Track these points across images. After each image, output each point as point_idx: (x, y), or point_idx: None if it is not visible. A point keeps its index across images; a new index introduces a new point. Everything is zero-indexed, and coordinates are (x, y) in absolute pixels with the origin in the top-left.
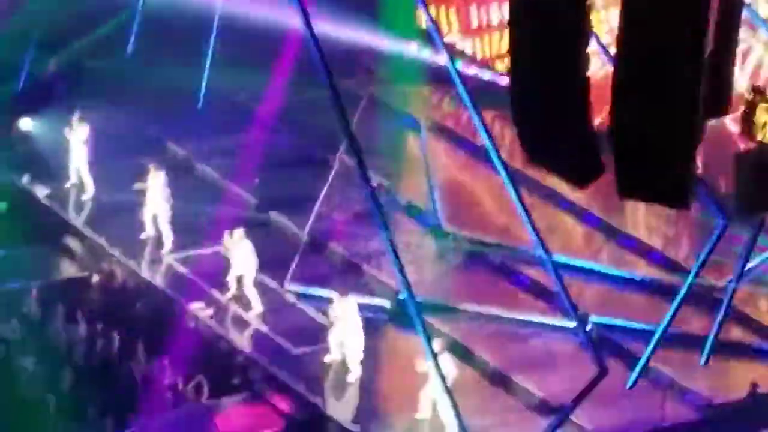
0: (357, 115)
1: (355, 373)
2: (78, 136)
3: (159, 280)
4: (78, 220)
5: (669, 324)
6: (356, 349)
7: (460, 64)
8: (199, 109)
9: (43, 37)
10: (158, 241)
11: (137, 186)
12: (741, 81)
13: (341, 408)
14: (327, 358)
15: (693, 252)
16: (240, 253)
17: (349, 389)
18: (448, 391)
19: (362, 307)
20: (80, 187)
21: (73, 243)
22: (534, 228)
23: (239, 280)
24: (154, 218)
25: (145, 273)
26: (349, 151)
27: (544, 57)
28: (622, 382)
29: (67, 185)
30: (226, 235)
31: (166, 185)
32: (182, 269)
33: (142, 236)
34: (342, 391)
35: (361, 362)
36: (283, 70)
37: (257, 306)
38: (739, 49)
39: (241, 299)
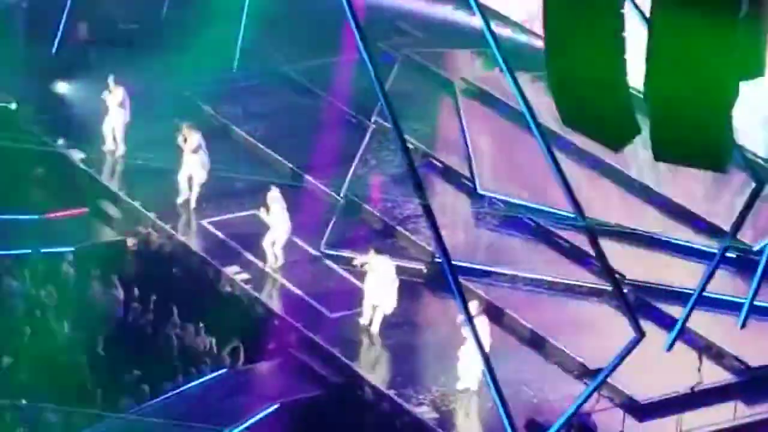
0: (392, 77)
1: (376, 326)
2: (115, 99)
3: (195, 244)
4: (114, 184)
5: (705, 286)
6: (388, 304)
7: (494, 25)
8: (234, 72)
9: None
10: (194, 204)
11: (180, 142)
12: None
13: (377, 372)
14: (362, 321)
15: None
16: (274, 212)
17: (385, 353)
18: (484, 355)
19: (398, 271)
20: (116, 150)
21: (108, 207)
22: (570, 190)
23: (273, 242)
24: (190, 180)
25: (181, 237)
26: (384, 114)
27: (580, 19)
28: (659, 345)
29: (104, 148)
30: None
31: (203, 147)
32: (218, 233)
33: (179, 200)
34: (378, 355)
35: (384, 321)
36: (318, 32)
37: (279, 261)
38: None
39: (275, 261)
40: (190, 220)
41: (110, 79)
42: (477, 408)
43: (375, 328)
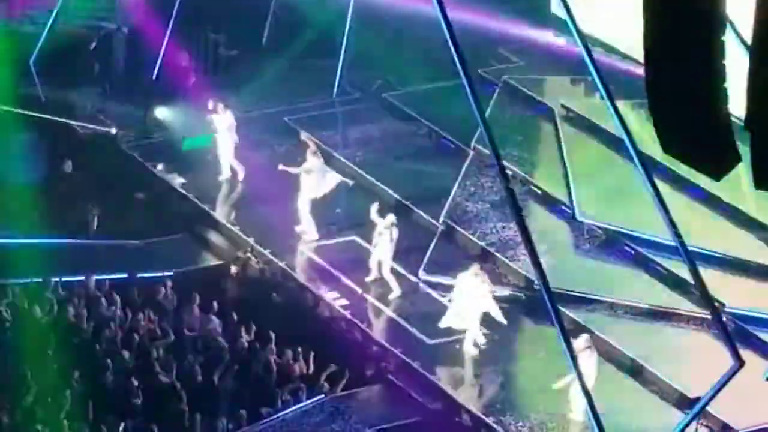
0: (492, 103)
1: (477, 341)
2: (223, 124)
3: (294, 269)
4: (213, 209)
5: None
6: (476, 322)
7: (595, 53)
8: (334, 98)
9: (179, 25)
10: (300, 230)
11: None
12: None
13: (476, 399)
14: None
15: None
16: (385, 238)
17: (484, 379)
18: (583, 384)
19: (497, 298)
20: (221, 175)
21: (208, 232)
22: (669, 218)
23: (379, 265)
24: (309, 205)
25: (280, 262)
26: (484, 140)
27: (680, 45)
28: (759, 373)
29: (220, 177)
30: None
31: (322, 173)
32: (317, 258)
33: (298, 229)
34: (476, 382)
35: (477, 343)
36: (418, 58)
37: (396, 290)
38: None
39: (380, 285)
40: (291, 245)
41: (211, 104)
42: None
43: (467, 348)
